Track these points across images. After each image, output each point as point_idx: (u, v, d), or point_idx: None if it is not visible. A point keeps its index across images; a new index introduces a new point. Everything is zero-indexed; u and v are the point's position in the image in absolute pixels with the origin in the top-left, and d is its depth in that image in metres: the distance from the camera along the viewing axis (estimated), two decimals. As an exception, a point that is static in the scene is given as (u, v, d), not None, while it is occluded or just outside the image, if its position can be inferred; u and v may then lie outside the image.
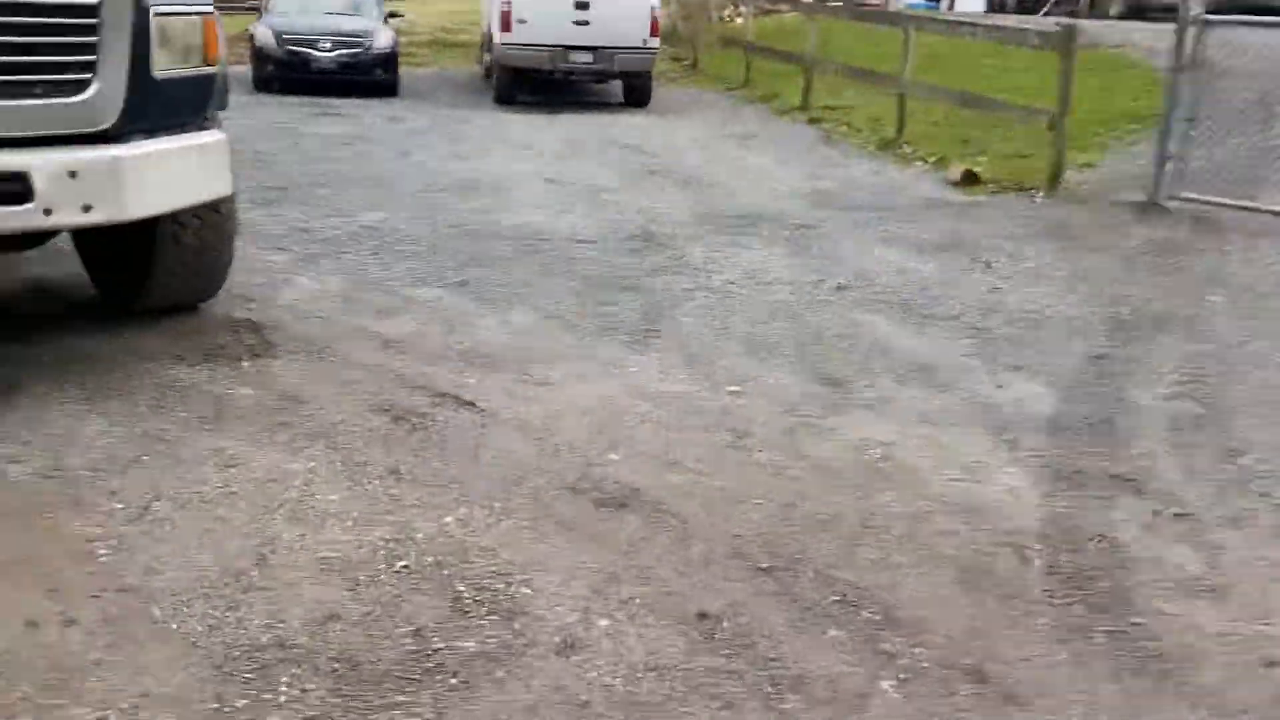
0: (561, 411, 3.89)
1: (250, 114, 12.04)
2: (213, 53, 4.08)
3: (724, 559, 2.89)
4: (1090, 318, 5.33)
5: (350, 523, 3.02)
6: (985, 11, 31.47)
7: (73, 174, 3.54)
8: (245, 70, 14.94)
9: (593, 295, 5.48)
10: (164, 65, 3.83)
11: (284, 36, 14.09)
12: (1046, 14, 28.72)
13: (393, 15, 16.17)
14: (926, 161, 9.82)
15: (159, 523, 2.98)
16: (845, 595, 2.73)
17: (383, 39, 14.46)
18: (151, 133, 3.88)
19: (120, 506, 3.06)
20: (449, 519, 3.06)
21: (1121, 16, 24.78)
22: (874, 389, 4.28)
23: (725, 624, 2.59)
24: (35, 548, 2.80)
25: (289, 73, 14.09)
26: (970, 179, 8.83)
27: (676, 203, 7.99)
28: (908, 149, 10.39)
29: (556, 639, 2.49)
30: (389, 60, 14.40)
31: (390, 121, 12.00)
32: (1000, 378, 4.46)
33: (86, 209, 3.61)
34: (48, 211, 3.53)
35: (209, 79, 4.12)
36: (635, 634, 2.53)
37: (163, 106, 3.90)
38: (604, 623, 2.56)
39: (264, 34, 14.26)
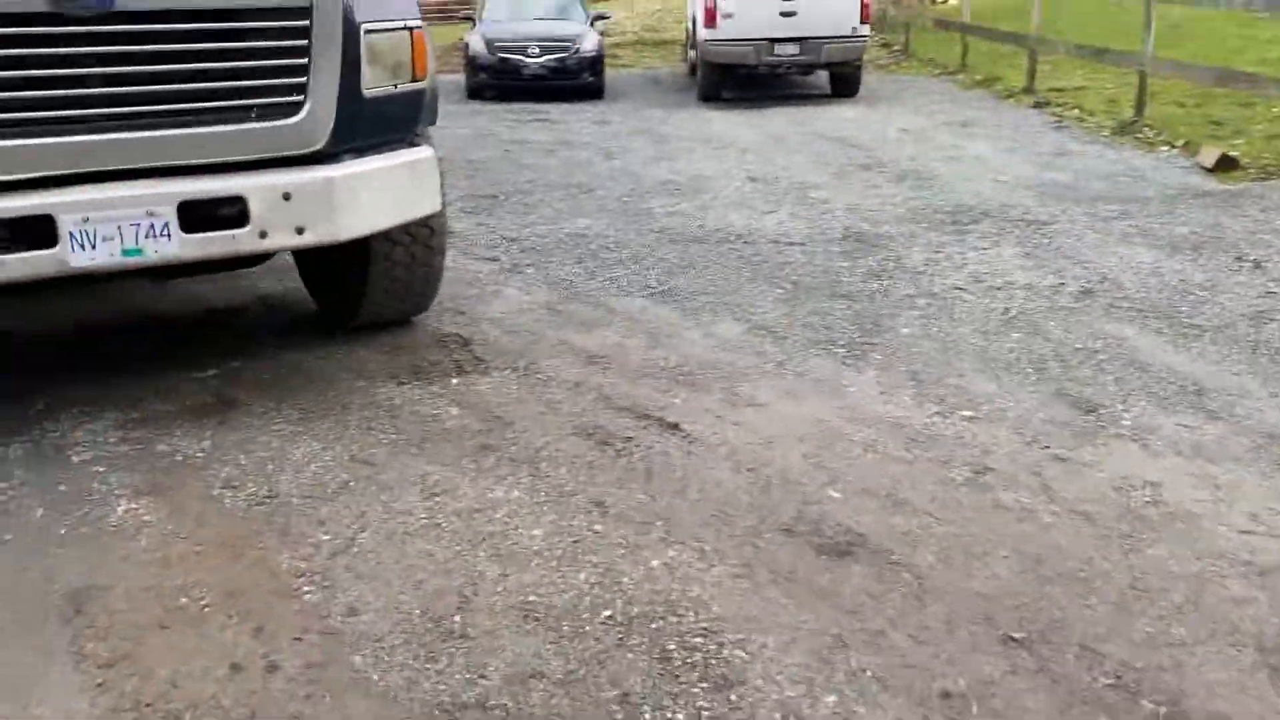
0: (773, 438, 3.60)
1: (463, 122, 12.38)
2: (422, 68, 4.03)
3: (968, 624, 2.53)
4: (1394, 327, 4.55)
5: (554, 562, 2.85)
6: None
7: (287, 196, 3.55)
8: (460, 78, 15.45)
9: (802, 303, 5.15)
10: (374, 83, 3.80)
11: (495, 44, 14.42)
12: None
13: (600, 18, 16.28)
14: (1173, 146, 8.87)
15: (363, 556, 2.91)
16: (1119, 677, 2.32)
17: (589, 42, 14.55)
18: (361, 152, 3.86)
19: (327, 538, 3.01)
20: (656, 562, 2.84)
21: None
22: (1132, 415, 3.75)
23: (975, 707, 2.23)
24: (245, 581, 2.78)
25: (500, 79, 14.42)
26: (1227, 164, 7.88)
27: (890, 198, 7.52)
28: (1150, 133, 9.43)
29: (778, 716, 2.22)
30: (595, 63, 14.47)
31: (596, 124, 12.02)
32: (1287, 402, 3.83)
33: (300, 231, 3.62)
34: (263, 235, 3.55)
35: (418, 95, 4.07)
36: (867, 714, 2.21)
37: (373, 125, 3.87)
38: (831, 699, 2.26)
39: (476, 42, 14.64)
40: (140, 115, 3.29)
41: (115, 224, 3.30)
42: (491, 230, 6.86)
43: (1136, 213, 6.74)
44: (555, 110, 13.25)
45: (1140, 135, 9.43)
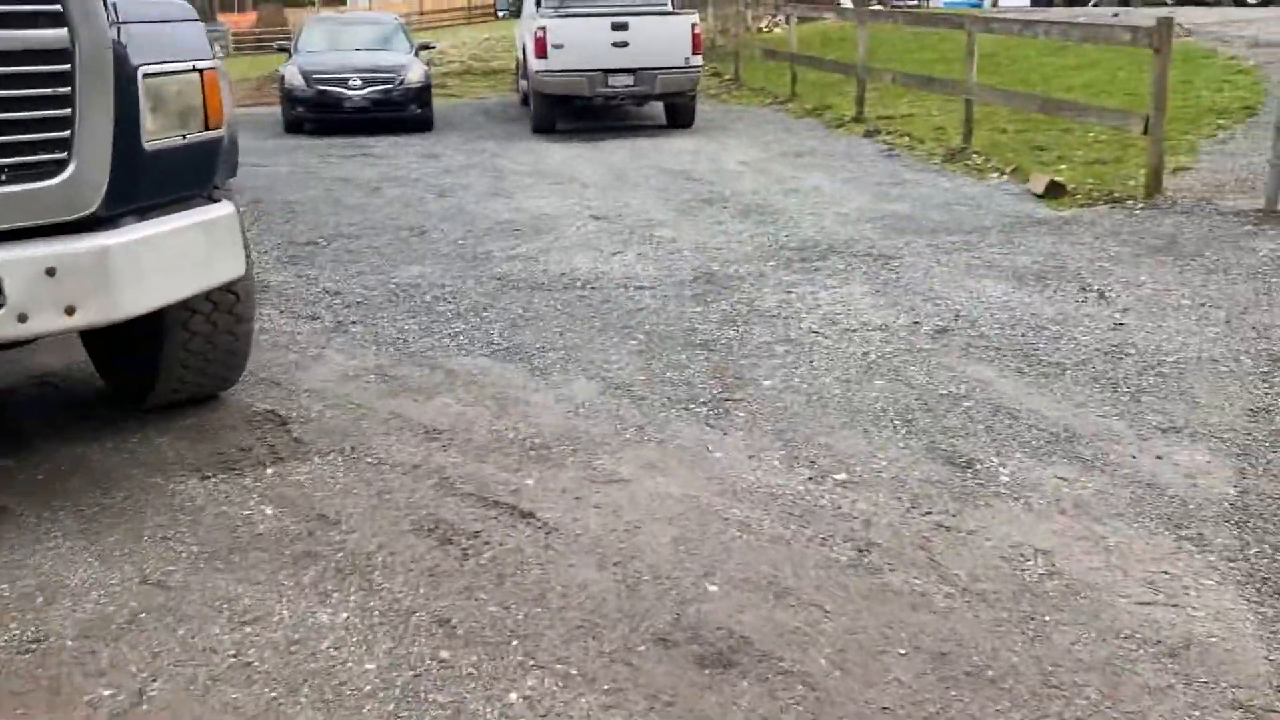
0: (639, 522, 3.24)
1: (281, 158, 11.63)
2: (216, 114, 3.51)
3: (877, 751, 2.22)
4: (1239, 356, 4.57)
5: (392, 704, 2.40)
6: (1031, 6, 30.59)
7: (50, 271, 2.97)
8: (277, 111, 14.60)
9: (658, 355, 4.83)
10: (157, 134, 3.26)
11: (313, 76, 13.69)
12: (1096, 4, 27.77)
13: (424, 47, 15.73)
14: (1002, 173, 9.07)
15: (155, 715, 2.37)
16: (1050, 808, 2.05)
17: (415, 73, 13.99)
18: (145, 213, 3.31)
19: (109, 693, 2.46)
20: (514, 696, 2.41)
21: (1180, 1, 23.75)
22: (1009, 469, 3.57)
23: None
24: (-6, 770, 2.21)
25: (320, 113, 13.69)
26: (1056, 190, 8.07)
27: (736, 235, 7.34)
28: (979, 159, 9.64)
29: None
30: (422, 94, 13.93)
31: (426, 159, 11.50)
32: (1155, 445, 3.73)
33: (70, 311, 3.04)
34: (22, 318, 2.96)
35: (213, 144, 3.54)
36: None
37: (157, 182, 3.32)
38: None
39: (293, 74, 13.87)
40: None
41: None
42: (312, 282, 6.28)
43: (978, 243, 6.75)
44: (381, 144, 12.64)
45: (970, 162, 9.62)
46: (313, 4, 68.53)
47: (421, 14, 48.60)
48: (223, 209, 3.60)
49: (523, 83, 15.06)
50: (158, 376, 3.97)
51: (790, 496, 3.40)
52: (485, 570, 2.97)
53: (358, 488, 3.51)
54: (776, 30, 21.69)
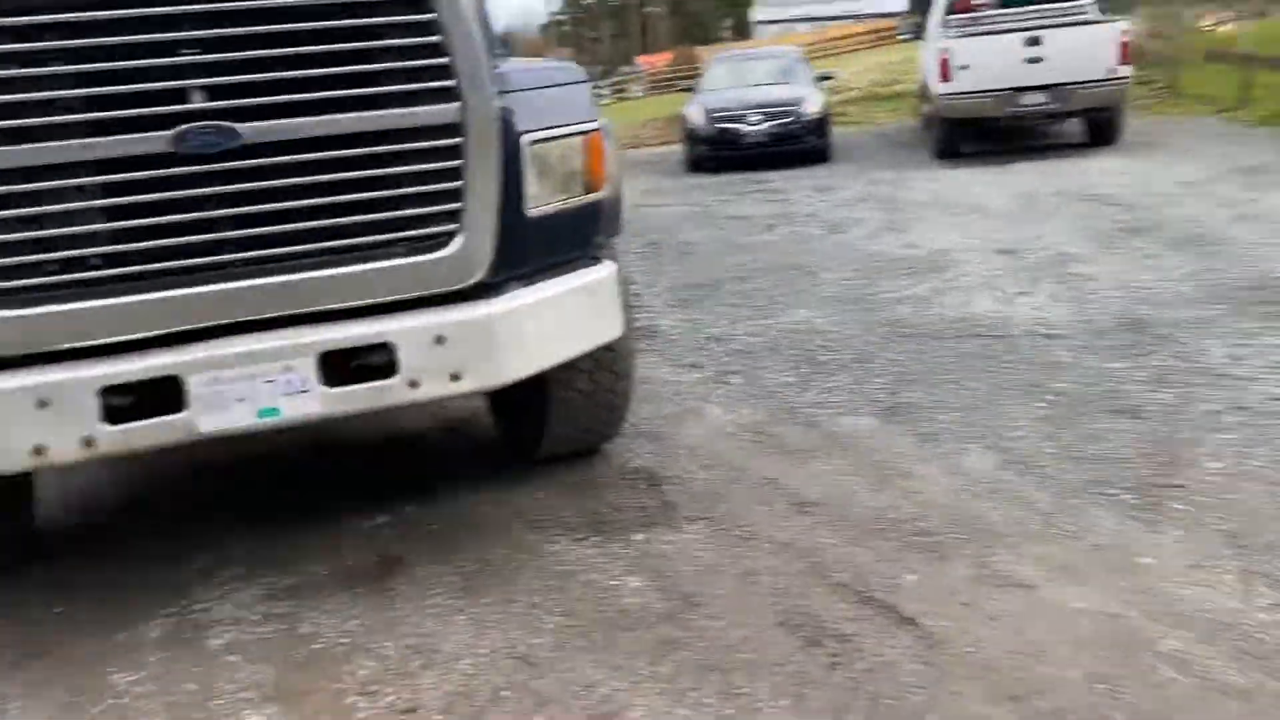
0: (1043, 645, 2.71)
1: (680, 198, 11.99)
2: (598, 176, 3.48)
3: None
4: None
5: (741, 845, 2.12)
6: None
7: (440, 339, 3.06)
8: (681, 150, 15.15)
9: (1071, 422, 4.19)
10: (540, 200, 3.27)
11: (713, 114, 14.03)
12: None
13: (824, 78, 15.61)
14: None
15: (502, 814, 2.29)
16: None
17: (812, 104, 13.89)
18: (528, 279, 3.33)
19: (464, 778, 2.42)
20: None
21: None
22: None
23: None
24: None
25: (720, 150, 14.00)
26: None
27: (1172, 272, 6.34)
28: None
29: None
30: (819, 126, 13.79)
31: (820, 192, 11.30)
32: None
33: (456, 377, 3.11)
34: (414, 384, 3.07)
35: (594, 207, 3.52)
36: None
37: (539, 248, 3.34)
38: None
39: (694, 113, 14.31)
40: (273, 259, 2.89)
41: (248, 382, 2.90)
42: (698, 328, 6.25)
43: None
44: (777, 178, 12.64)
45: None
46: (721, 40, 71.78)
47: (827, 40, 48.87)
48: (603, 270, 3.57)
49: (925, 107, 14.43)
50: (543, 432, 4.04)
51: (1248, 628, 2.70)
52: (857, 686, 2.61)
53: (724, 564, 3.29)
54: (1222, 29, 19.10)
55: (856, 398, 4.75)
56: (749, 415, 4.66)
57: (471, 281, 3.13)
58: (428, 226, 3.04)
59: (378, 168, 2.94)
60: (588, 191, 3.47)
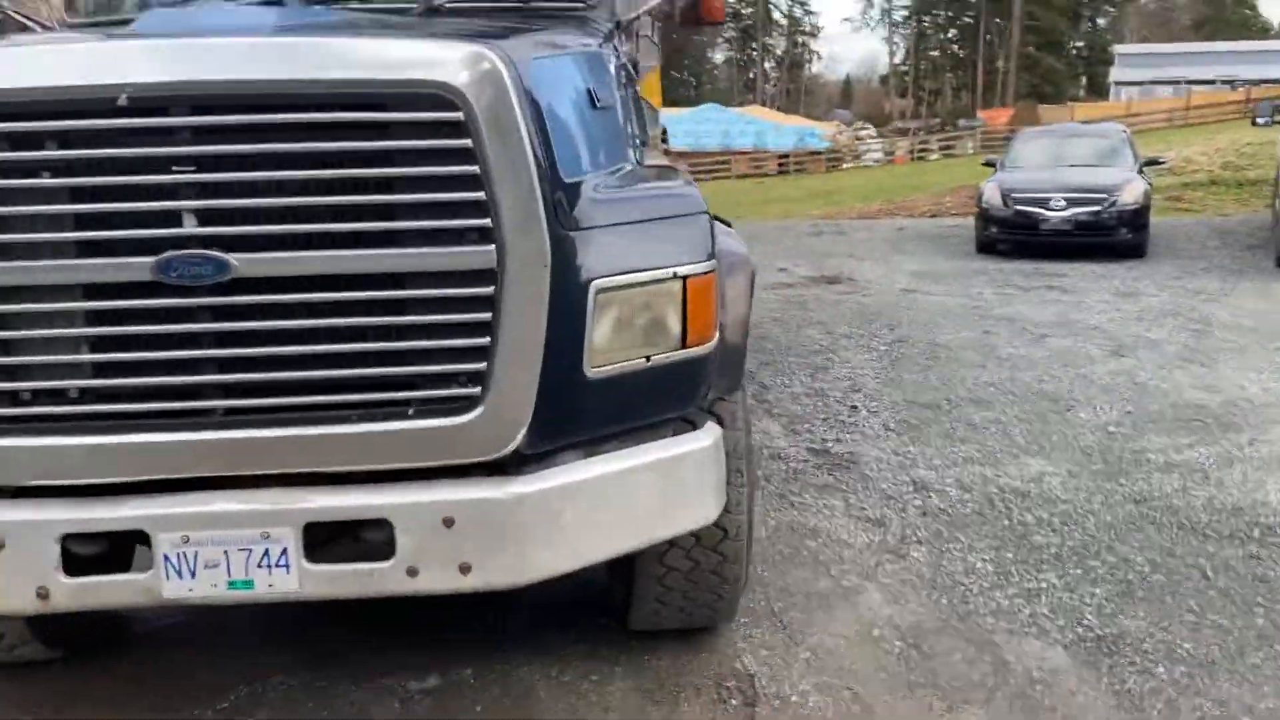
0: None
1: (954, 286, 10.85)
2: (701, 328, 2.80)
3: None
4: None
5: None
6: None
7: (448, 522, 2.52)
8: (972, 225, 13.90)
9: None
10: (609, 359, 2.66)
11: (1012, 195, 12.71)
12: None
13: (1152, 163, 13.77)
14: None
15: None
16: None
17: (1130, 193, 12.22)
18: (587, 448, 2.73)
19: None
20: None
21: None
22: None
23: None
24: None
25: (1014, 234, 12.67)
26: None
27: None
28: None
29: None
30: (1136, 217, 12.11)
31: (1119, 298, 9.80)
32: None
33: (465, 569, 2.55)
34: (412, 572, 2.54)
35: (694, 364, 2.84)
36: None
37: (603, 415, 2.72)
38: None
39: (991, 191, 13.05)
40: (260, 410, 2.47)
41: (221, 547, 2.50)
42: (904, 466, 5.32)
43: None
44: (1074, 273, 11.17)
45: None
46: (1076, 99, 67.17)
47: (1188, 109, 44.36)
48: (696, 441, 2.88)
49: (1279, 202, 12.33)
50: (631, 603, 3.40)
51: None
52: None
53: None
54: None
55: (1058, 612, 3.70)
56: (911, 613, 3.75)
57: (499, 455, 2.56)
58: (447, 387, 2.50)
59: (388, 315, 2.44)
60: (686, 346, 2.80)
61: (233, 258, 2.35)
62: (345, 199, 2.36)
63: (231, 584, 2.51)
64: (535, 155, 2.44)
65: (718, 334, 2.93)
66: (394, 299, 2.43)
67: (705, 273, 2.81)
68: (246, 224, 2.35)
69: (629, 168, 3.30)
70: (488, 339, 2.47)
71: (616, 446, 2.79)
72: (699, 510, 2.90)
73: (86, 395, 2.46)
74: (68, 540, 2.48)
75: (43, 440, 2.44)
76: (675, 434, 2.92)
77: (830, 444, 5.76)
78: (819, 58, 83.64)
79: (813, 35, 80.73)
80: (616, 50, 3.66)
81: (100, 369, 2.44)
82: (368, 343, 2.45)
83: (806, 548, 4.31)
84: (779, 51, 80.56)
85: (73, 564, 2.49)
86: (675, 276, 2.74)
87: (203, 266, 2.35)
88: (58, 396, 2.45)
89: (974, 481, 5.08)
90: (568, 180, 2.61)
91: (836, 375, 7.28)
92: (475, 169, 2.37)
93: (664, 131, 17.43)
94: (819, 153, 46.30)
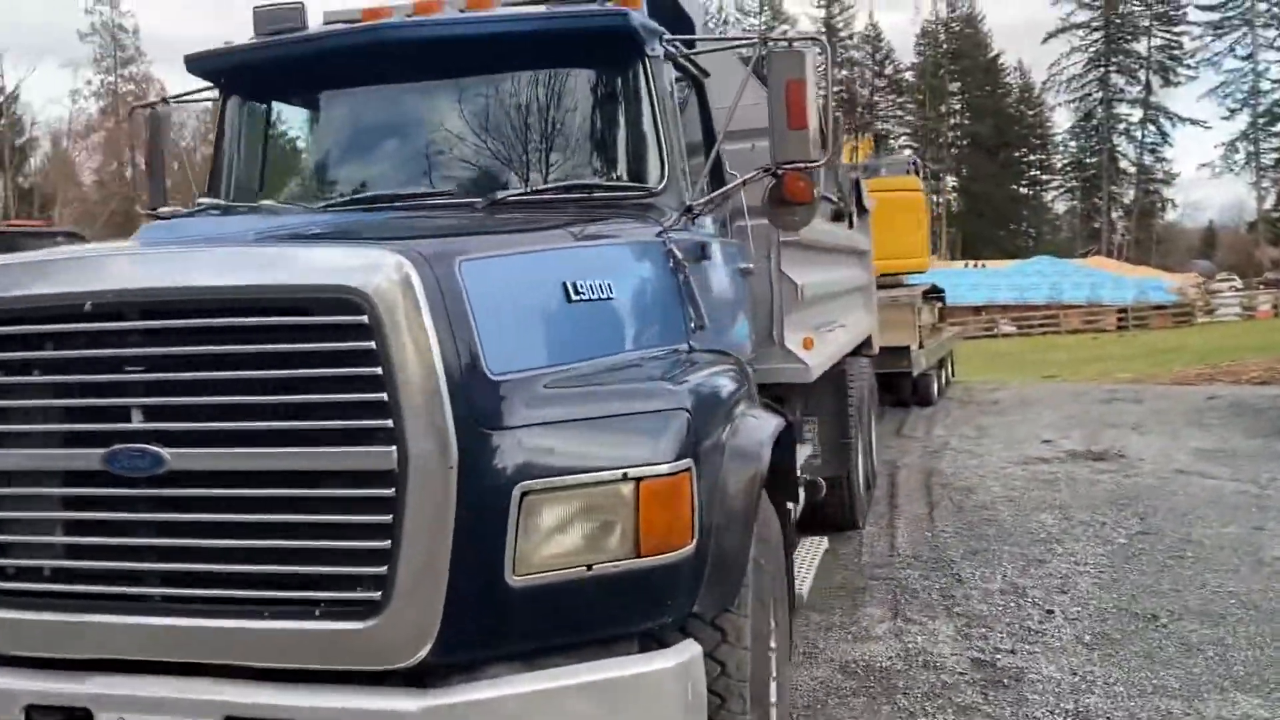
0: None
1: (1242, 469, 9.37)
2: (657, 535, 2.58)
3: None
4: None
5: None
6: None
7: (349, 731, 2.44)
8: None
9: None
10: (538, 566, 2.51)
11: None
12: None
13: None
14: None
15: None
16: None
17: None
18: (532, 660, 2.56)
19: None
20: None
21: None
22: None
23: None
24: None
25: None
26: None
27: None
28: None
29: None
30: None
31: None
32: None
33: (367, 783, 2.44)
34: (316, 779, 2.47)
35: (656, 575, 2.61)
36: None
37: (538, 626, 2.55)
38: None
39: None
40: (194, 599, 2.55)
41: (154, 732, 2.56)
42: (1078, 689, 4.57)
43: None
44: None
45: None
46: None
47: None
48: (652, 663, 2.63)
49: None
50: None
51: None
52: None
53: None
54: None
55: None
56: None
57: (406, 664, 2.47)
58: (350, 589, 2.47)
59: (298, 513, 2.46)
60: (641, 554, 2.59)
61: (167, 452, 2.49)
62: (265, 399, 2.45)
63: (160, 767, 2.56)
64: (446, 356, 2.42)
65: (695, 540, 2.69)
66: (304, 497, 2.46)
67: (671, 473, 2.62)
68: (179, 420, 2.49)
69: (658, 353, 3.21)
70: (389, 542, 2.42)
71: (562, 662, 2.60)
72: (653, 743, 2.61)
73: (58, 575, 2.66)
74: (31, 710, 2.65)
75: (18, 614, 2.66)
76: (642, 651, 2.68)
77: (1001, 655, 5.06)
78: (1173, 205, 77.56)
79: (1165, 183, 75.48)
80: (670, 238, 3.59)
81: (68, 551, 2.64)
82: (277, 539, 2.47)
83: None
84: (1127, 200, 76.13)
85: (35, 730, 2.65)
86: (626, 478, 2.57)
87: (142, 460, 2.50)
88: (35, 574, 2.67)
89: (1152, 719, 4.23)
90: (498, 377, 2.55)
91: (1049, 571, 6.44)
92: (378, 370, 2.38)
93: (932, 287, 16.90)
94: (1163, 307, 42.65)
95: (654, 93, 3.82)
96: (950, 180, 78.70)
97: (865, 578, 6.50)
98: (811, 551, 5.30)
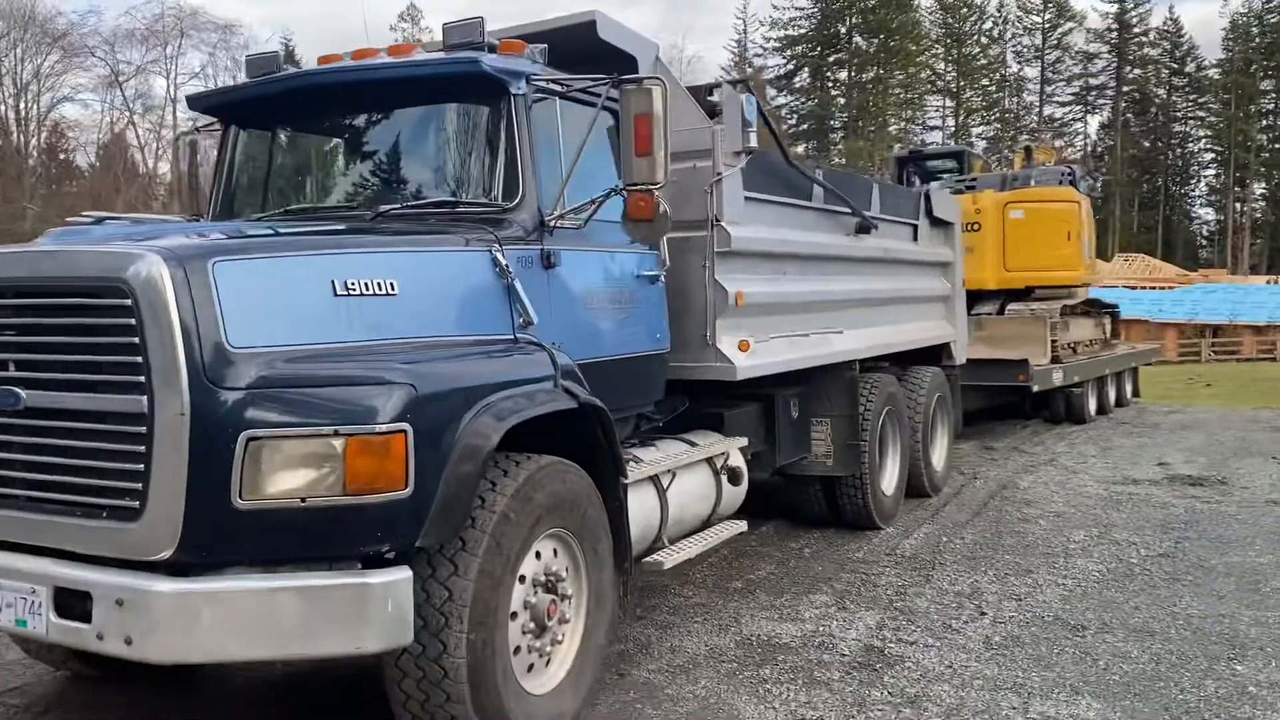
0: None
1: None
2: (371, 479, 3.32)
3: None
4: None
5: None
6: None
7: (119, 602, 3.33)
8: None
9: None
10: (257, 494, 3.29)
11: None
12: None
13: None
14: None
15: None
16: None
17: None
18: (247, 566, 3.37)
19: None
20: None
21: None
22: None
23: None
24: None
25: None
26: None
27: None
28: None
29: None
30: None
31: None
32: None
33: (128, 642, 3.33)
34: (100, 637, 3.38)
35: (366, 510, 3.34)
36: None
37: (259, 540, 3.34)
38: None
39: None
40: (40, 500, 3.55)
41: (12, 592, 3.57)
42: (941, 677, 4.80)
43: None
44: None
45: None
46: None
47: None
48: (359, 578, 3.37)
49: None
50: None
51: None
52: None
53: None
54: None
55: None
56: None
57: (156, 557, 3.34)
58: (120, 499, 3.37)
59: (91, 440, 3.40)
60: (348, 493, 3.33)
61: (22, 392, 3.50)
62: (71, 357, 3.43)
63: (17, 621, 3.57)
64: (186, 330, 3.27)
65: (411, 488, 3.40)
66: (95, 430, 3.39)
67: (383, 433, 3.35)
68: (32, 371, 3.50)
69: (461, 339, 3.94)
70: (143, 466, 3.31)
71: (292, 570, 3.39)
72: (347, 639, 3.36)
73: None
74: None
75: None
76: (365, 569, 3.42)
77: (896, 645, 5.33)
78: None
79: None
80: (499, 246, 4.26)
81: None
82: (82, 460, 3.42)
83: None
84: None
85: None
86: (337, 434, 3.32)
87: (8, 398, 3.52)
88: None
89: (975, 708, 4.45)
90: (237, 349, 3.36)
91: (1027, 581, 6.50)
92: (135, 339, 3.28)
93: (1095, 301, 16.17)
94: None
95: (513, 123, 4.50)
96: (1258, 188, 71.64)
97: (840, 571, 6.81)
98: (718, 533, 5.74)
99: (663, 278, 5.39)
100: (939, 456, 9.56)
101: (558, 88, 4.72)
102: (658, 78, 4.46)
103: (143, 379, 3.29)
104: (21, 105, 41.82)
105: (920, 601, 6.11)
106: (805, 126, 60.67)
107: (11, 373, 3.56)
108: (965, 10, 68.96)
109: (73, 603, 3.47)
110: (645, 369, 5.28)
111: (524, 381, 4.02)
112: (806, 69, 61.28)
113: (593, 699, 4.57)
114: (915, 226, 9.19)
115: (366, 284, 3.77)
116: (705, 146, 5.72)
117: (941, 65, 68.82)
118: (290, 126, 5.11)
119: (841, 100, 63.25)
